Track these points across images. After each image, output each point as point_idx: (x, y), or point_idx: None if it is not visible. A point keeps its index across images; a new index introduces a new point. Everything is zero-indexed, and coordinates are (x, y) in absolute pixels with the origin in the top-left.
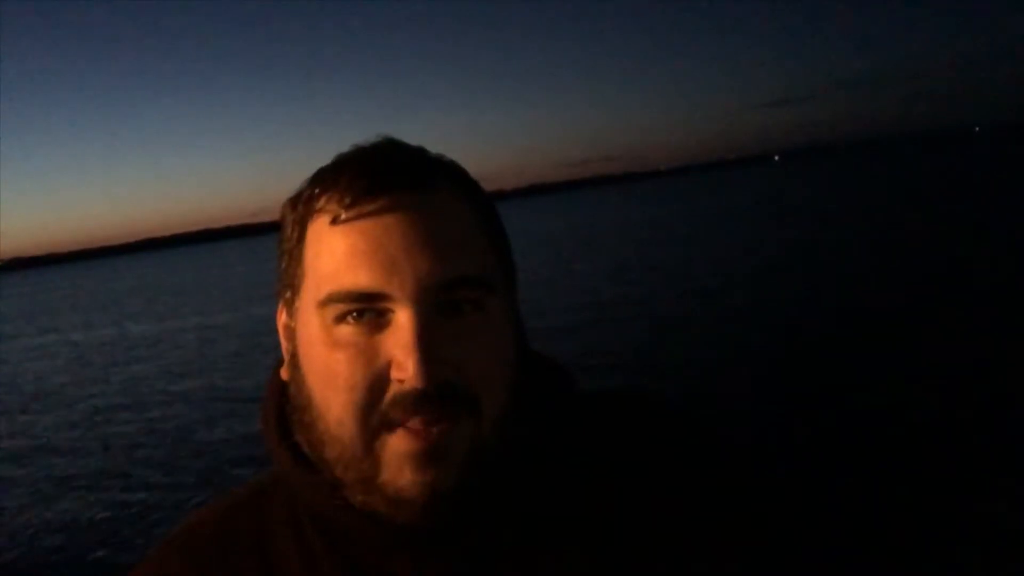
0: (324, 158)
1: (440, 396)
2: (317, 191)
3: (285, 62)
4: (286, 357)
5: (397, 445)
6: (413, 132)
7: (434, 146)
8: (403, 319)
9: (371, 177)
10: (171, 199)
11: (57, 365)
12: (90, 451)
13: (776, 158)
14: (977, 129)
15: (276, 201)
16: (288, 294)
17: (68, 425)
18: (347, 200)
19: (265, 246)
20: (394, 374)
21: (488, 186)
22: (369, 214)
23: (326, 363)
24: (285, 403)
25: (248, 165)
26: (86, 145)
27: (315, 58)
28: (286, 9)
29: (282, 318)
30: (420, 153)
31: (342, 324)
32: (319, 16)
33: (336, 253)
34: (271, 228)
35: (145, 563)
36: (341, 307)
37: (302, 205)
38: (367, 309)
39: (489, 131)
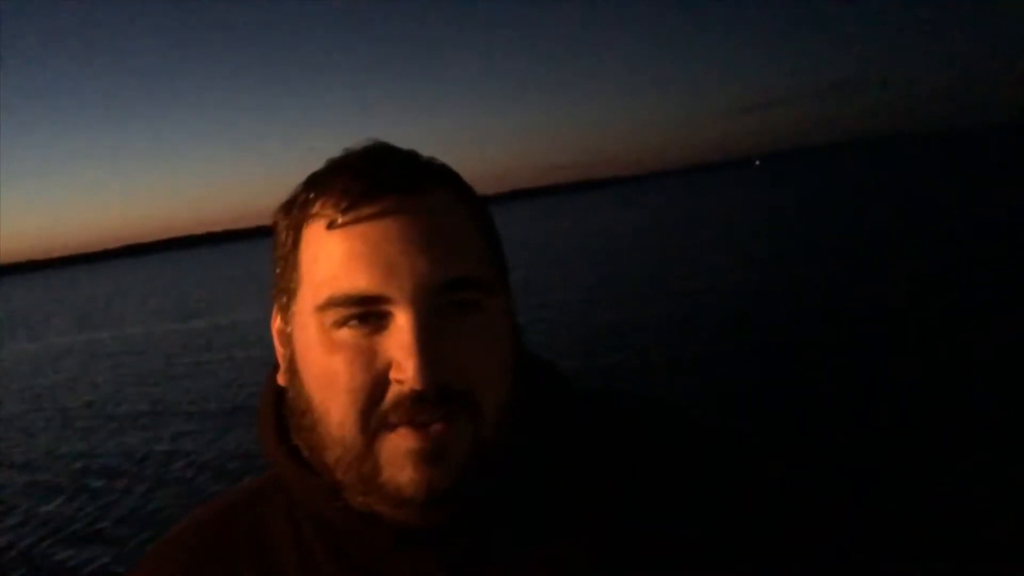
0: (307, 163)
1: (440, 397)
2: (312, 196)
3: (269, 68)
4: (282, 362)
5: (397, 445)
6: (394, 137)
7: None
8: (402, 321)
9: (366, 181)
10: (152, 205)
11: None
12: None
13: (757, 162)
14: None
15: (263, 207)
16: (284, 299)
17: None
18: (343, 204)
19: (249, 251)
20: (394, 375)
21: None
22: (366, 218)
23: (325, 366)
24: (282, 407)
25: (233, 172)
26: (56, 152)
27: (298, 63)
28: (274, 15)
29: (277, 323)
30: (413, 157)
31: (341, 327)
32: (305, 21)
33: (333, 257)
34: (256, 233)
35: (142, 564)
36: (340, 311)
37: (296, 210)
38: (366, 312)
39: (472, 135)
